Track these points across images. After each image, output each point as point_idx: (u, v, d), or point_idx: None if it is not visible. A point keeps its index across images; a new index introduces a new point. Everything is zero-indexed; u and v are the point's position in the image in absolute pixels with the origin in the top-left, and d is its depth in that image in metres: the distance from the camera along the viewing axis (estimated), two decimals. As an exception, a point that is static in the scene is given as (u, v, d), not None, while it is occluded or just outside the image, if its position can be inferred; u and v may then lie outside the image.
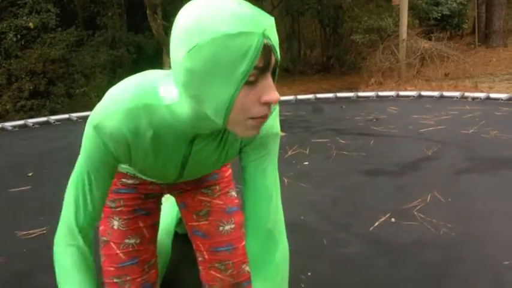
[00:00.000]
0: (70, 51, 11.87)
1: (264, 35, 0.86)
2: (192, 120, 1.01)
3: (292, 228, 2.38)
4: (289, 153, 3.68)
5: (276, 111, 1.18)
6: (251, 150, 1.20)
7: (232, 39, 0.83)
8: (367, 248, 2.16)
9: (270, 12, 12.95)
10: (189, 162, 1.22)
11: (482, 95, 5.27)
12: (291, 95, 6.34)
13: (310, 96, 6.12)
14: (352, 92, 6.52)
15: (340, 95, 6.09)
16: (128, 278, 1.47)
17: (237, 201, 1.63)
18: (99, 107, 1.05)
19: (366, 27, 11.30)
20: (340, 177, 3.13)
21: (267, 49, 0.87)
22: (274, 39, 0.89)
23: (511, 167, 3.09)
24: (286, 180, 3.03)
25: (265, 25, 0.87)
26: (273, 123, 1.18)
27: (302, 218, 2.51)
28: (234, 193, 1.66)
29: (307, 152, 3.71)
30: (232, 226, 1.56)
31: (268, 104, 0.91)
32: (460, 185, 2.85)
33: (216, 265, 1.53)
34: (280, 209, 1.28)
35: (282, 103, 6.03)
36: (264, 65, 0.88)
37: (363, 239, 2.24)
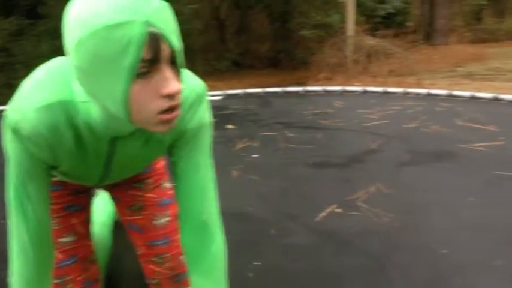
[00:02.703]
0: (10, 40, 11.43)
1: (147, 23, 0.79)
2: (105, 119, 0.95)
3: (241, 218, 2.42)
4: (238, 146, 3.70)
5: (204, 101, 1.13)
6: (182, 144, 1.14)
7: (111, 30, 0.77)
8: (313, 238, 2.21)
9: (219, 6, 12.80)
10: (113, 163, 1.15)
11: (423, 91, 5.46)
12: (240, 88, 6.35)
13: (259, 90, 6.16)
14: (300, 86, 6.60)
15: (288, 89, 6.16)
16: (69, 277, 1.41)
17: (170, 192, 1.57)
18: (13, 106, 0.96)
19: (314, 22, 11.45)
20: (288, 170, 3.18)
21: (154, 38, 0.80)
22: (166, 27, 0.82)
23: (450, 159, 3.23)
24: (235, 173, 3.05)
25: (149, 12, 0.79)
26: (203, 114, 1.13)
27: (250, 209, 2.54)
28: (167, 185, 1.59)
29: (255, 144, 3.75)
30: (168, 219, 1.51)
31: (170, 97, 0.85)
32: (402, 177, 2.95)
33: (154, 259, 1.50)
34: (215, 201, 1.24)
35: (231, 97, 6.04)
36: (154, 56, 0.81)
37: (309, 229, 2.29)
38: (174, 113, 0.88)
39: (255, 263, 1.98)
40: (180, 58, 0.87)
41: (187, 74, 1.08)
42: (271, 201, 2.65)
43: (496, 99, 4.84)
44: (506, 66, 13.74)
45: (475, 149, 3.33)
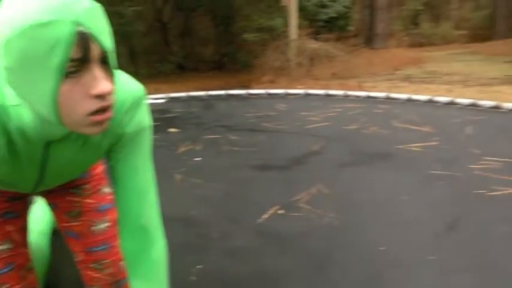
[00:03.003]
0: None
1: (76, 23, 0.78)
2: (37, 122, 0.92)
3: (183, 222, 2.42)
4: (181, 149, 3.69)
5: (143, 105, 1.12)
6: (120, 148, 1.13)
7: (39, 30, 0.76)
8: (256, 240, 2.23)
9: (162, 8, 12.64)
10: (48, 169, 1.12)
11: (363, 93, 5.61)
12: (184, 91, 6.32)
13: (202, 93, 6.16)
14: (244, 89, 6.63)
15: (231, 92, 6.19)
16: (6, 285, 1.37)
17: (110, 197, 1.54)
18: None
19: (257, 26, 11.54)
20: (231, 172, 3.19)
21: (83, 38, 0.79)
22: (96, 27, 0.81)
23: (387, 160, 3.34)
24: (178, 176, 3.03)
25: (78, 12, 0.79)
26: (142, 118, 1.12)
27: (193, 212, 2.54)
28: (107, 190, 1.56)
29: (198, 148, 3.74)
30: (107, 224, 1.48)
31: (100, 97, 0.84)
32: (343, 178, 3.03)
33: (93, 265, 1.47)
34: (155, 204, 1.23)
35: (174, 100, 6.00)
36: (83, 56, 0.80)
37: (252, 231, 2.32)
38: (106, 114, 0.87)
39: (198, 267, 1.98)
40: (112, 58, 0.86)
41: (125, 77, 1.07)
42: (214, 204, 2.66)
43: (431, 102, 5.04)
44: (442, 69, 14.29)
45: (411, 150, 3.46)
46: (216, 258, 2.07)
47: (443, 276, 1.85)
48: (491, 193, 2.61)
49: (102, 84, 0.83)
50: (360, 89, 9.52)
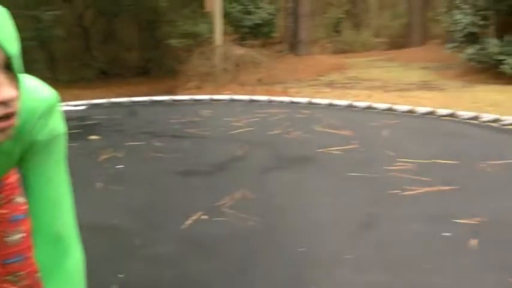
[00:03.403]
0: None
1: None
2: None
3: (105, 231, 2.37)
4: (102, 157, 3.61)
5: (56, 111, 1.10)
6: (32, 156, 1.10)
7: None
8: (179, 246, 2.23)
9: (83, 13, 12.25)
10: None
11: (287, 99, 5.74)
12: (108, 98, 6.19)
13: (125, 99, 6.06)
14: (170, 95, 6.59)
15: (155, 98, 6.12)
16: None
17: (24, 207, 1.50)
18: None
19: (181, 32, 11.48)
20: (154, 179, 3.17)
21: None
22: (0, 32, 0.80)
23: (309, 163, 3.43)
24: (99, 184, 2.97)
25: None
26: (55, 125, 1.09)
27: (115, 220, 2.50)
28: (20, 199, 1.46)
29: (120, 155, 3.68)
30: (21, 235, 1.42)
31: (3, 104, 0.82)
32: (266, 182, 3.09)
33: (9, 277, 1.42)
34: (70, 213, 1.20)
35: (95, 106, 5.86)
36: None
37: (175, 237, 2.31)
38: (9, 122, 0.85)
39: (119, 276, 1.95)
40: (17, 64, 0.85)
41: (37, 83, 1.05)
42: (137, 212, 2.63)
43: (350, 106, 5.23)
44: (363, 75, 14.83)
45: (331, 153, 3.57)
46: (138, 266, 2.05)
47: (359, 273, 1.93)
48: (405, 193, 2.74)
49: (5, 91, 0.81)
50: (285, 94, 9.70)
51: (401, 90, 12.36)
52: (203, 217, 2.52)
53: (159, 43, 12.78)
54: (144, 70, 13.14)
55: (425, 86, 12.93)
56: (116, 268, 2.00)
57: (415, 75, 14.47)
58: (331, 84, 13.48)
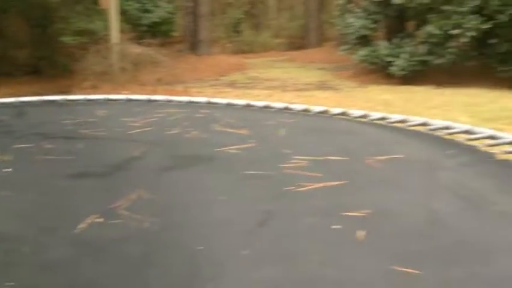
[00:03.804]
0: None
1: None
2: None
3: (-11, 239, 2.24)
4: (-13, 161, 3.39)
5: None
6: None
7: None
8: (72, 250, 2.15)
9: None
10: None
11: (185, 98, 5.72)
12: (-6, 98, 5.81)
13: (13, 99, 5.73)
14: (64, 95, 6.32)
15: (47, 98, 5.85)
16: None
17: None
18: None
19: (76, 29, 11.06)
20: (46, 182, 3.03)
21: None
22: None
23: (207, 162, 3.46)
24: (-18, 190, 2.79)
25: None
26: None
27: (2, 227, 2.37)
28: None
29: (8, 158, 3.48)
30: None
31: None
32: (164, 182, 3.06)
33: None
34: None
35: (-21, 107, 5.49)
36: None
37: (68, 241, 2.23)
38: None
39: (8, 284, 1.85)
40: None
41: None
42: (26, 217, 2.51)
43: (248, 106, 5.32)
44: (263, 75, 15.13)
45: (229, 152, 3.61)
46: (28, 274, 1.96)
47: (255, 268, 1.98)
48: (299, 189, 2.84)
49: None
50: (187, 94, 9.67)
51: (299, 90, 12.79)
52: (98, 220, 2.45)
53: (51, 40, 12.20)
54: (35, 69, 12.48)
55: (322, 86, 13.49)
56: (3, 277, 1.90)
57: (312, 75, 15.01)
58: (232, 84, 13.62)
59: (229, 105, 5.45)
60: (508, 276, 1.88)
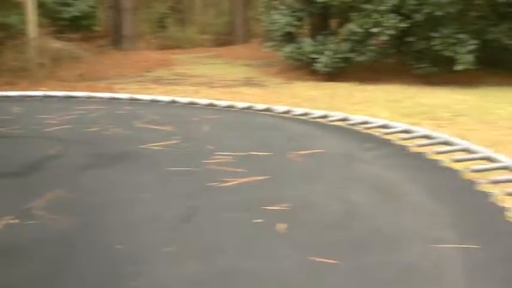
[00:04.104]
0: None
1: None
2: None
3: None
4: None
5: None
6: None
7: None
8: (-16, 253, 2.06)
9: None
10: None
11: (107, 95, 5.58)
12: None
13: None
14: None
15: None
16: None
17: None
18: None
19: (-10, 22, 10.48)
20: (-46, 184, 2.87)
21: None
22: None
23: (129, 160, 3.40)
24: None
25: None
26: None
27: None
28: None
29: None
30: None
31: None
32: (83, 181, 2.98)
33: None
34: None
35: None
36: None
37: (-20, 244, 2.13)
38: None
39: None
40: None
41: None
42: None
43: (173, 102, 5.27)
44: (190, 71, 15.00)
45: (152, 149, 3.57)
46: None
47: (177, 265, 1.98)
48: (222, 184, 2.86)
49: None
50: (110, 91, 9.41)
51: (226, 86, 12.79)
52: (12, 221, 2.35)
53: (-37, 34, 11.51)
54: None
55: (248, 82, 13.54)
56: None
57: (239, 72, 15.06)
58: (158, 81, 13.43)
59: (153, 101, 5.38)
60: (415, 262, 1.99)
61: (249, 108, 4.87)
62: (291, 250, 2.10)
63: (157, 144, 3.66)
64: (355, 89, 12.18)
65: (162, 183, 2.96)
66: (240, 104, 5.00)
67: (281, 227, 2.30)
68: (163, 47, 18.26)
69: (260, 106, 4.84)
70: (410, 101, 10.58)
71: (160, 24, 19.67)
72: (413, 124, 4.61)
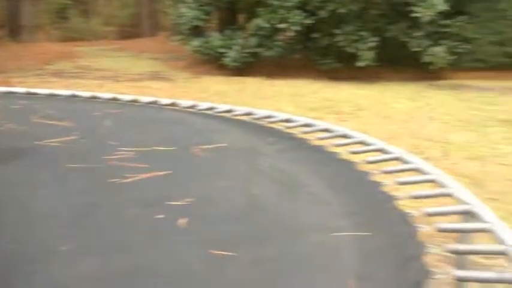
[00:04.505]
0: None
1: None
2: None
3: None
4: None
5: None
6: None
7: None
8: None
9: None
10: None
11: (2, 89, 5.29)
12: None
13: None
14: None
15: None
16: None
17: None
18: None
19: None
20: None
21: None
22: None
23: (24, 157, 3.24)
24: None
25: None
26: None
27: None
28: None
29: None
30: None
31: None
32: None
33: None
34: None
35: None
36: None
37: None
38: None
39: None
40: None
41: None
42: None
43: (73, 96, 5.08)
44: (94, 64, 14.53)
45: (49, 145, 3.42)
46: None
47: (74, 264, 1.92)
48: (124, 180, 2.80)
49: None
50: (8, 84, 8.89)
51: (132, 80, 12.53)
52: None
53: None
54: None
55: (155, 76, 13.37)
56: None
57: (145, 65, 14.80)
58: (59, 74, 12.89)
59: (51, 95, 5.14)
60: (312, 251, 2.07)
61: (153, 102, 4.80)
62: (192, 244, 2.11)
63: (55, 140, 3.52)
64: (263, 84, 12.41)
65: (59, 180, 2.85)
66: (145, 99, 4.92)
67: (183, 222, 2.30)
68: (65, 39, 17.54)
69: (165, 101, 4.79)
70: (316, 96, 10.96)
71: (62, 15, 18.86)
72: (317, 118, 4.77)
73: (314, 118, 4.52)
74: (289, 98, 10.71)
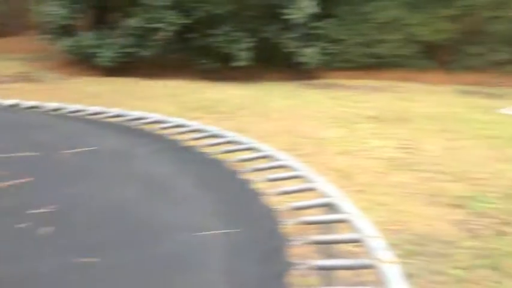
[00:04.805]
0: None
1: None
2: None
3: None
4: None
5: None
6: None
7: None
8: None
9: None
10: None
11: None
12: None
13: None
14: None
15: None
16: None
17: None
18: None
19: None
20: None
21: None
22: None
23: None
24: None
25: None
26: None
27: None
28: None
29: None
30: None
31: None
32: None
33: None
34: None
35: None
36: None
37: None
38: None
39: None
40: None
41: None
42: None
43: None
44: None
45: None
46: None
47: None
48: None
49: None
50: None
51: (-4, 82, 11.66)
52: None
53: None
54: None
55: (24, 78, 12.57)
56: None
57: (12, 66, 13.87)
58: None
59: None
60: (178, 251, 2.07)
61: (15, 105, 4.51)
62: (55, 253, 2.01)
63: None
64: (139, 84, 12.18)
65: None
66: (6, 102, 4.60)
67: (46, 230, 2.19)
68: None
69: (28, 103, 4.51)
70: (194, 96, 10.98)
71: None
72: (197, 118, 4.77)
73: (194, 118, 4.52)
74: (168, 98, 10.64)
